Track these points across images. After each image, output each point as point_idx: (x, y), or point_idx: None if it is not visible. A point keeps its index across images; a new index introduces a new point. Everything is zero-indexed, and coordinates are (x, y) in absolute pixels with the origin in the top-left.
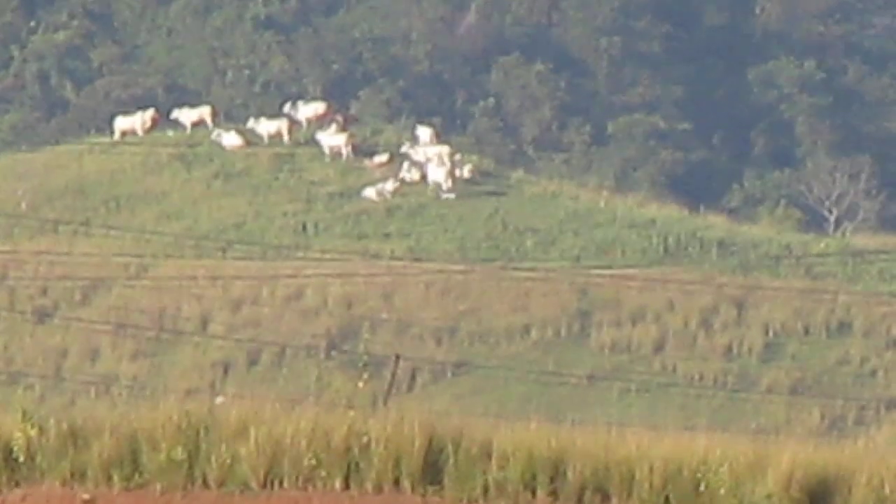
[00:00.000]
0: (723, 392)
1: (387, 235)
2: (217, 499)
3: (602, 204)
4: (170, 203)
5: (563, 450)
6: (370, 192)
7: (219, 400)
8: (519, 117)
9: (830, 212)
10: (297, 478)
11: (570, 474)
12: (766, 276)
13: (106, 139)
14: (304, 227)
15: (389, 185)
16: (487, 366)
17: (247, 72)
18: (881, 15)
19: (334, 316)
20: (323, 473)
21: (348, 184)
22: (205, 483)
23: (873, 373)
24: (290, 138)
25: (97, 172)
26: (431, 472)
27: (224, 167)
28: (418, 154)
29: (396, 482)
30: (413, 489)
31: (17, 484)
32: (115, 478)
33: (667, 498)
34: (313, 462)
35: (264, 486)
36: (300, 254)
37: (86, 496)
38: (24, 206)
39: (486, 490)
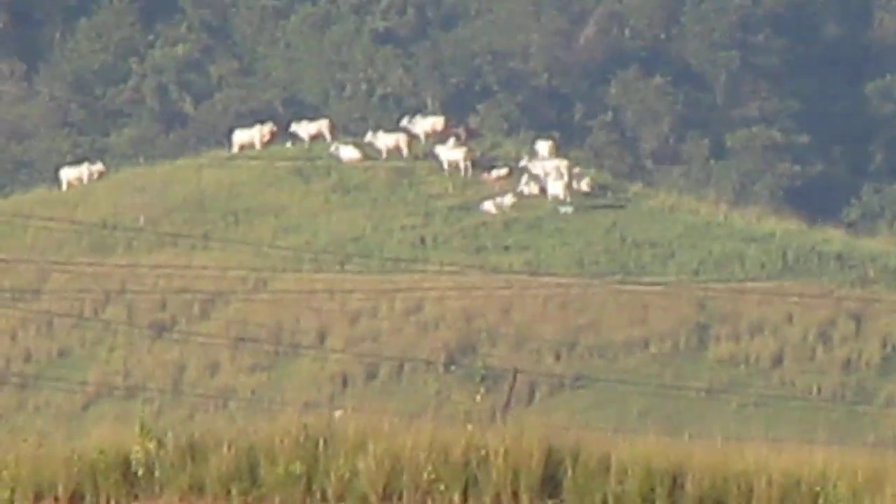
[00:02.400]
0: (841, 405)
1: (505, 249)
2: None
3: (720, 217)
4: (288, 217)
5: (681, 463)
6: (489, 206)
7: (337, 414)
8: (637, 131)
9: None
10: (415, 491)
11: (688, 488)
12: (885, 289)
13: (224, 153)
14: (423, 241)
15: (508, 199)
16: (606, 379)
17: (365, 85)
18: None
19: (452, 329)
20: (441, 487)
21: (467, 197)
22: (323, 497)
23: None
24: (409, 152)
25: (215, 186)
26: (550, 485)
27: (342, 181)
28: (537, 168)
29: (515, 495)
30: (531, 502)
31: (136, 497)
32: (234, 491)
33: None
34: (432, 476)
35: (383, 499)
36: (418, 267)
37: None
38: (142, 219)
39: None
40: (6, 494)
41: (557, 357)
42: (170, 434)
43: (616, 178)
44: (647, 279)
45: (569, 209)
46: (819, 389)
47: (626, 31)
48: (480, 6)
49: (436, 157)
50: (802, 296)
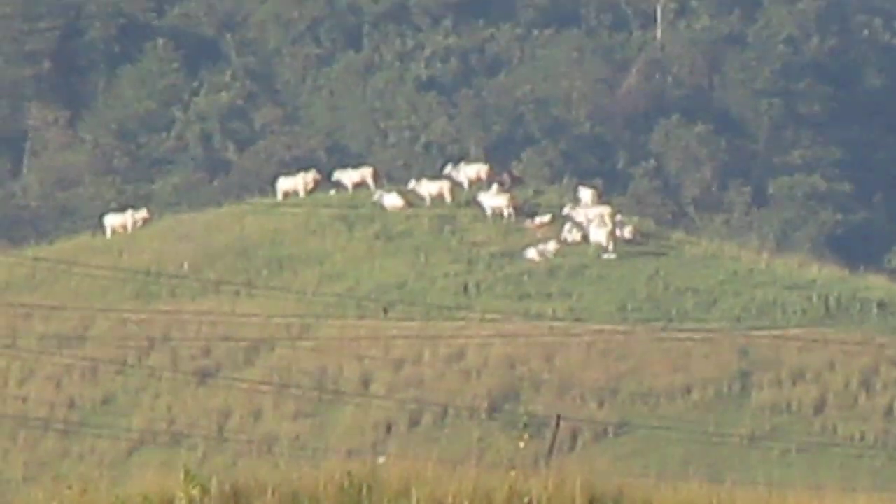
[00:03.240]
0: (883, 452)
1: (548, 296)
2: None
3: (762, 264)
4: (332, 264)
5: None
6: (532, 253)
7: (381, 460)
8: (680, 178)
9: None
10: None
11: None
12: None
13: (268, 200)
14: (466, 288)
15: (551, 246)
16: (648, 426)
17: (408, 133)
18: None
19: (496, 376)
20: None
21: (510, 244)
22: None
23: None
24: (452, 199)
25: (259, 233)
26: None
27: (386, 228)
28: (580, 215)
29: None
30: None
31: None
32: None
33: None
34: None
35: None
36: (462, 314)
37: None
38: (186, 266)
39: None
40: None
41: (600, 404)
42: (214, 481)
43: (659, 226)
44: (689, 326)
45: (611, 256)
46: (861, 436)
47: (669, 79)
48: (523, 53)
49: (479, 205)
50: (844, 343)
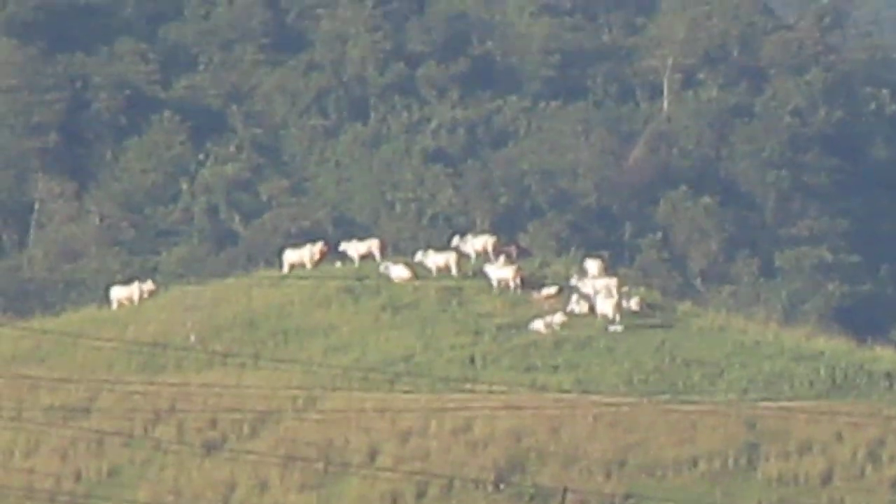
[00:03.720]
0: None
1: (555, 367)
2: None
3: (770, 336)
4: (338, 336)
5: None
6: (538, 325)
7: None
8: (686, 249)
9: None
10: None
11: None
12: None
13: (274, 272)
14: (472, 360)
15: (558, 318)
16: (655, 498)
17: (415, 204)
18: None
19: (502, 448)
20: None
21: (516, 316)
22: None
23: None
24: (458, 271)
25: (266, 305)
26: None
27: (392, 300)
28: (586, 286)
29: None
30: None
31: None
32: None
33: None
34: None
35: None
36: (468, 386)
37: None
38: (192, 338)
39: None
40: None
41: (607, 476)
42: None
43: (665, 297)
44: (696, 398)
45: (618, 328)
46: None
47: (675, 151)
48: (530, 125)
49: (485, 276)
50: (851, 415)
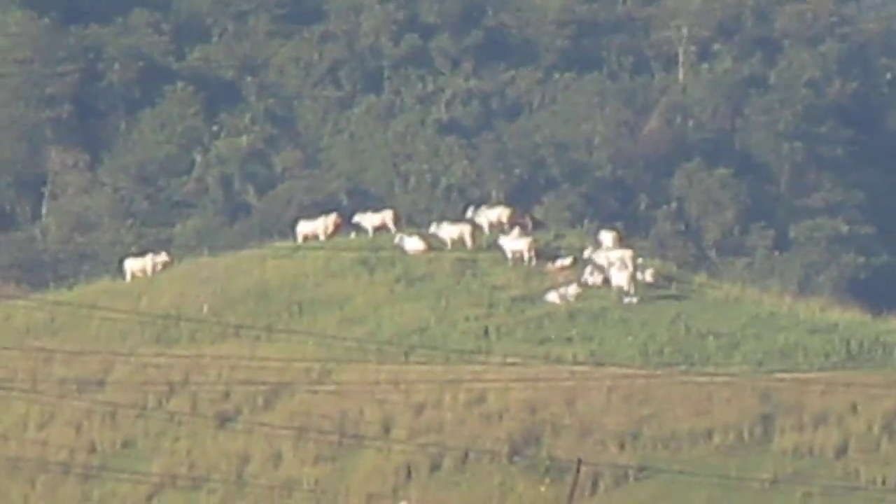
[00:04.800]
0: None
1: (569, 340)
2: None
3: (784, 308)
4: (352, 308)
5: None
6: (553, 297)
7: None
8: (701, 221)
9: None
10: None
11: None
12: None
13: (288, 244)
14: (487, 332)
15: (572, 290)
16: (670, 470)
17: (429, 176)
18: None
19: (517, 420)
20: None
21: (531, 288)
22: None
23: None
24: (473, 243)
25: (279, 277)
26: None
27: (406, 272)
28: (601, 258)
29: None
30: None
31: None
32: None
33: None
34: None
35: None
36: (482, 358)
37: None
38: (206, 310)
39: None
40: None
41: (621, 448)
42: None
43: (680, 269)
44: (711, 370)
45: (633, 300)
46: (884, 480)
47: (690, 122)
48: (544, 97)
49: (500, 248)
50: (867, 386)
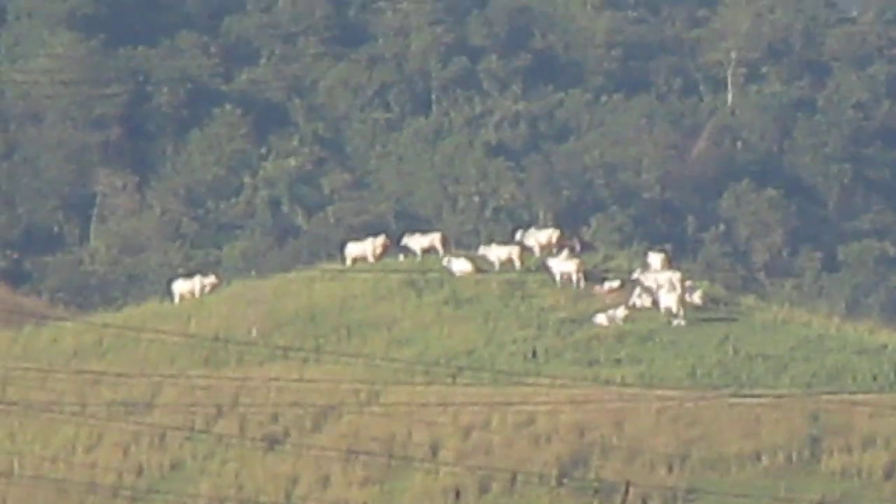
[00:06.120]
0: None
1: (617, 361)
2: None
3: (833, 330)
4: (400, 329)
5: None
6: (601, 319)
7: None
8: (750, 243)
9: None
10: None
11: None
12: None
13: (336, 266)
14: (535, 354)
15: (620, 312)
16: (718, 492)
17: (477, 198)
18: None
19: (565, 442)
20: None
21: (579, 310)
22: None
23: None
24: (521, 265)
25: (327, 299)
26: None
27: (454, 293)
28: (649, 280)
29: None
30: None
31: None
32: None
33: None
34: None
35: None
36: (531, 380)
37: None
38: (254, 332)
39: None
40: None
41: (670, 469)
42: None
43: (728, 291)
44: (759, 392)
45: (681, 322)
46: None
47: (739, 144)
48: (593, 119)
49: (548, 270)
50: None
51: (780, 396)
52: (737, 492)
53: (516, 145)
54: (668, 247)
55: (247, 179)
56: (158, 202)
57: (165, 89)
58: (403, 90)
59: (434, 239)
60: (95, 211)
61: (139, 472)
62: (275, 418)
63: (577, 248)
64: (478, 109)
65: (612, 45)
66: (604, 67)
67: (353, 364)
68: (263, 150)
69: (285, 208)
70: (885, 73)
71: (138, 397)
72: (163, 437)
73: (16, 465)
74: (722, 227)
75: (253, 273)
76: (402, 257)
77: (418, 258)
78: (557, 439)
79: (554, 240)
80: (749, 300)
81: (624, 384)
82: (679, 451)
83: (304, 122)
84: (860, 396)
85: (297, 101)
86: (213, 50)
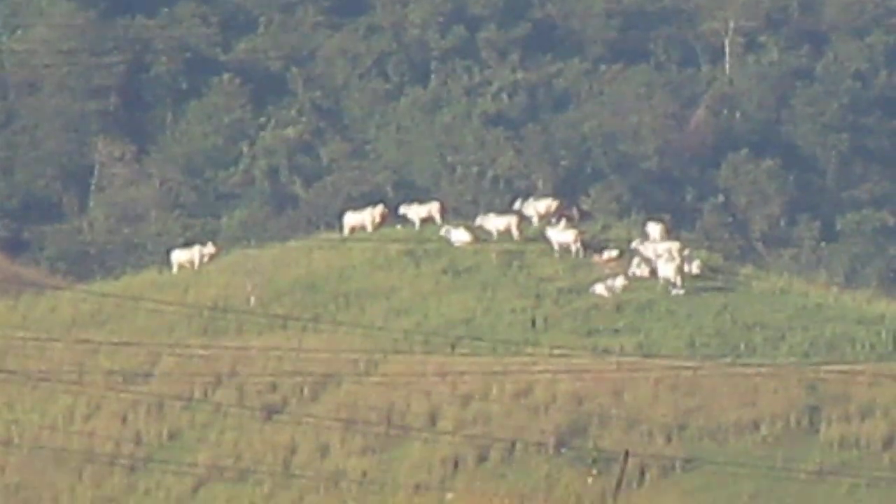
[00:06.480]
0: None
1: (616, 331)
2: None
3: (831, 299)
4: (399, 299)
5: None
6: (599, 288)
7: (449, 496)
8: (748, 213)
9: None
10: None
11: None
12: None
13: (335, 235)
14: (534, 323)
15: (619, 281)
16: (716, 461)
17: (475, 168)
18: None
19: (563, 412)
20: None
21: (577, 280)
22: None
23: None
24: (519, 234)
25: (326, 268)
26: None
27: (453, 263)
28: (648, 250)
29: None
30: None
31: None
32: None
33: None
34: None
35: None
36: (529, 350)
37: None
38: (253, 301)
39: None
40: None
41: (668, 439)
42: None
43: (727, 261)
44: (757, 361)
45: (680, 291)
46: None
47: (737, 114)
48: (591, 88)
49: (546, 240)
50: None
51: (778, 366)
52: (735, 461)
53: (515, 115)
54: (666, 216)
55: (245, 149)
56: (157, 172)
57: (164, 59)
58: (402, 60)
59: (432, 208)
60: (94, 180)
61: (137, 441)
62: (273, 388)
63: (576, 217)
64: (476, 79)
65: (611, 15)
66: (602, 37)
67: (352, 333)
68: (262, 120)
69: (284, 178)
70: (883, 43)
71: (137, 366)
72: (161, 406)
73: (14, 434)
74: (720, 196)
75: (251, 242)
76: (400, 227)
77: (417, 228)
78: (556, 409)
79: (552, 209)
80: (747, 270)
81: (622, 353)
82: (677, 421)
83: (303, 92)
84: (858, 366)
85: (295, 70)
86: (211, 19)
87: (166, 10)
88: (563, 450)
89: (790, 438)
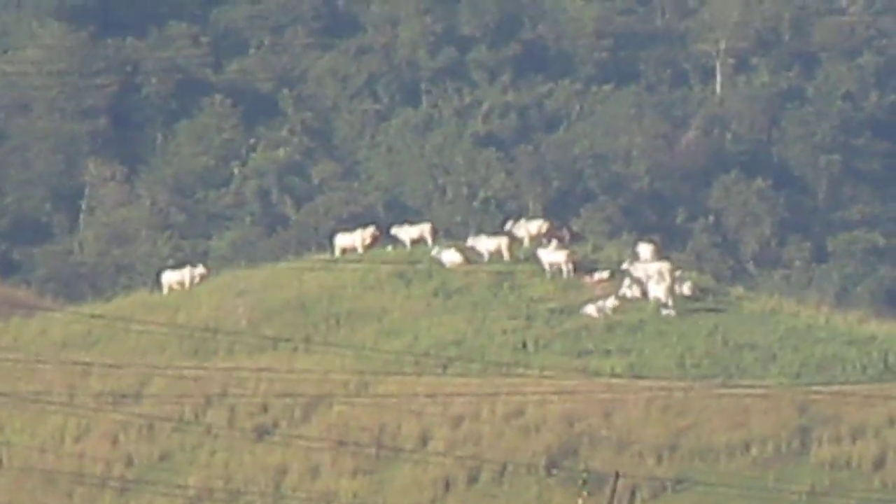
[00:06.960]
0: None
1: (607, 352)
2: None
3: (822, 320)
4: (390, 320)
5: None
6: (590, 309)
7: None
8: (739, 234)
9: None
10: None
11: None
12: None
13: (326, 256)
14: (524, 344)
15: (610, 302)
16: (708, 482)
17: (466, 189)
18: None
19: (554, 433)
20: None
21: (569, 300)
22: None
23: None
24: (510, 255)
25: (317, 289)
26: None
27: (444, 284)
28: (639, 271)
29: None
30: None
31: None
32: None
33: None
34: None
35: None
36: (520, 370)
37: None
38: (244, 322)
39: None
40: None
41: (659, 460)
42: None
43: (718, 282)
44: (748, 382)
45: (671, 312)
46: None
47: (728, 135)
48: (582, 110)
49: (537, 260)
50: None
51: (769, 387)
52: (726, 482)
53: (505, 136)
54: (657, 237)
55: (236, 170)
56: (147, 192)
57: (154, 80)
58: (392, 80)
59: (423, 229)
60: (84, 201)
61: (128, 462)
62: (264, 409)
63: (567, 238)
64: (467, 100)
65: (602, 36)
66: (593, 58)
67: (343, 354)
68: (252, 141)
69: (274, 199)
70: (873, 64)
71: (127, 388)
72: (151, 427)
73: (4, 455)
74: (711, 217)
75: (242, 263)
76: (391, 248)
77: (408, 249)
78: (547, 429)
79: (543, 230)
80: (738, 290)
81: (613, 374)
82: (668, 442)
83: (294, 113)
84: (849, 387)
85: (286, 91)
86: (202, 40)
87: (156, 31)
88: (553, 471)
89: (781, 459)
